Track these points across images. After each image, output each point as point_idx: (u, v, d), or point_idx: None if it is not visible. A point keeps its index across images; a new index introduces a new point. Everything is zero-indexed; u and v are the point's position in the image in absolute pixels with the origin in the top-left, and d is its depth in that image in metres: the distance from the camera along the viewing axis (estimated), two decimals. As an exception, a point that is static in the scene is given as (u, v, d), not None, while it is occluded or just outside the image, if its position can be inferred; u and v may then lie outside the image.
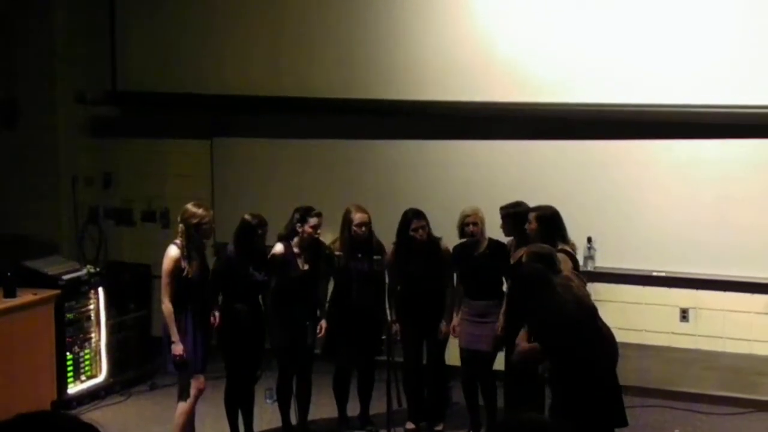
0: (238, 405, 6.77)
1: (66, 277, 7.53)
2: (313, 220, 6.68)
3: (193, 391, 6.39)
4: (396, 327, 6.89)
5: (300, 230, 6.70)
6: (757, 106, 7.21)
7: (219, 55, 8.65)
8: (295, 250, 6.74)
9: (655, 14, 7.46)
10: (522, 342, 5.69)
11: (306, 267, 6.75)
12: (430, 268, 6.85)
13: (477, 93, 7.81)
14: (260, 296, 6.73)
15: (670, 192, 7.57)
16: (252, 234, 6.57)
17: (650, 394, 7.57)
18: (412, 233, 6.79)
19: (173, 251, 6.28)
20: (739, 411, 7.37)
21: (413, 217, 6.81)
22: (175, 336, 6.22)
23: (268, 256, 6.71)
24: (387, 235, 6.99)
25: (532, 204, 6.59)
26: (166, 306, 6.24)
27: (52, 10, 8.94)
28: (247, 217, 6.63)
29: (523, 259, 5.87)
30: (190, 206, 6.40)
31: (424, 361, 7.07)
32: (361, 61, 8.25)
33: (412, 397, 7.02)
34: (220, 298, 6.67)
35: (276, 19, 8.53)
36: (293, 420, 6.92)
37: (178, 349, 6.22)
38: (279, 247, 6.75)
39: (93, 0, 9.09)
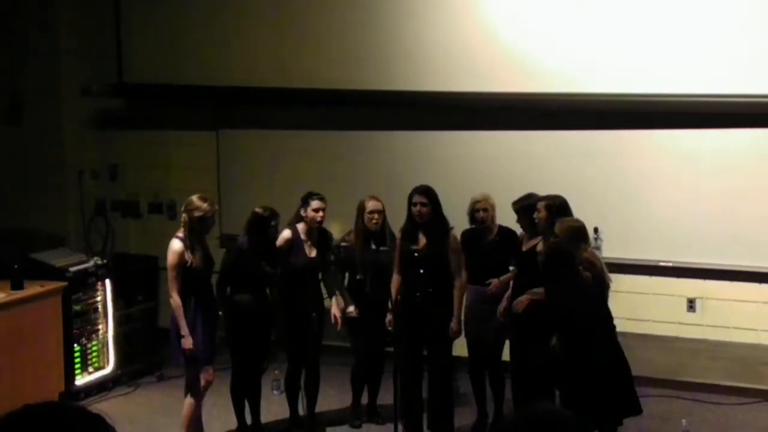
0: (245, 396, 6.78)
1: (73, 269, 7.55)
2: (314, 203, 6.64)
3: (201, 383, 6.41)
4: (388, 317, 6.55)
5: (304, 215, 6.70)
6: (763, 96, 7.19)
7: (224, 46, 8.65)
8: (302, 236, 6.74)
9: (661, 4, 7.44)
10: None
11: (313, 254, 6.75)
12: (433, 251, 6.42)
13: (484, 84, 7.79)
14: (267, 288, 6.73)
15: (676, 182, 7.55)
16: (265, 226, 6.56)
17: (657, 384, 7.56)
18: (411, 208, 6.47)
19: (176, 245, 6.28)
20: (746, 401, 7.35)
21: (415, 191, 6.47)
22: (184, 330, 6.23)
23: (276, 244, 6.70)
24: (393, 227, 6.97)
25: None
26: (175, 300, 6.24)
27: (56, 3, 8.94)
28: (258, 210, 6.61)
29: (556, 230, 5.89)
30: (195, 199, 6.38)
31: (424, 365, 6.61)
32: (367, 52, 8.23)
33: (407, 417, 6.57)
34: (228, 289, 6.66)
35: (281, 11, 8.52)
36: (301, 411, 6.93)
37: (188, 342, 6.23)
38: (286, 233, 6.73)
39: (98, -8, 9.11)
